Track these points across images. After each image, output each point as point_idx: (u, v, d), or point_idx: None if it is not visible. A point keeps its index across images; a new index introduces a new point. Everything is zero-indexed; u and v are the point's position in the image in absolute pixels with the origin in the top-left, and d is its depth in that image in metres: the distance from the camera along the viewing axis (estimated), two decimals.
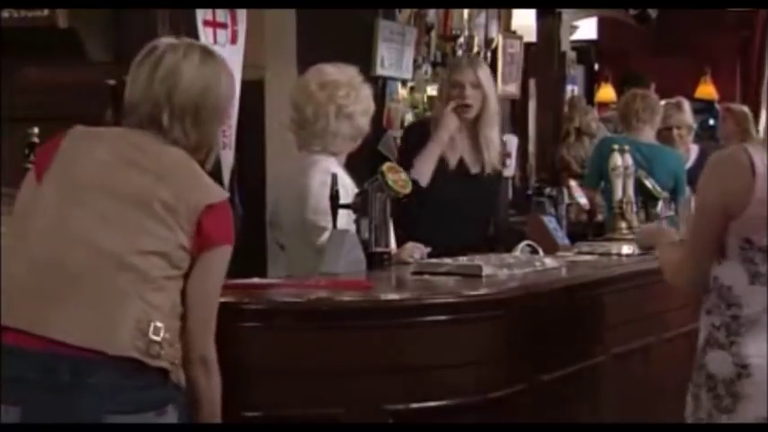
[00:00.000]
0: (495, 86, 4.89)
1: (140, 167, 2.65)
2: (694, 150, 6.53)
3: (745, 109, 6.94)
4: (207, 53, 2.79)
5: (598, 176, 5.48)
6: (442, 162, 4.63)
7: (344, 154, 4.04)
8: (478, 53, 6.53)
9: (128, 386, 2.52)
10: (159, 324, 2.58)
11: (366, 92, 4.00)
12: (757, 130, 9.84)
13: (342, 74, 4.01)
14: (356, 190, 3.69)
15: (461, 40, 6.40)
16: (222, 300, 3.00)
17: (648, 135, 5.94)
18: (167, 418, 2.58)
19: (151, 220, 2.60)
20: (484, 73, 4.71)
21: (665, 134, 6.26)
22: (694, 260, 3.00)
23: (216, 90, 2.74)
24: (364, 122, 3.99)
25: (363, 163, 4.22)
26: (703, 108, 8.76)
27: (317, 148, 3.95)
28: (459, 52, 6.38)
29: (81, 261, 2.57)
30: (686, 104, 6.47)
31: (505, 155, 6.29)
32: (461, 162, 4.67)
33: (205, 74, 2.73)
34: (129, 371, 2.52)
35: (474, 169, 4.70)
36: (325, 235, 3.71)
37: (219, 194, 2.72)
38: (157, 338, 2.57)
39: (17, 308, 2.55)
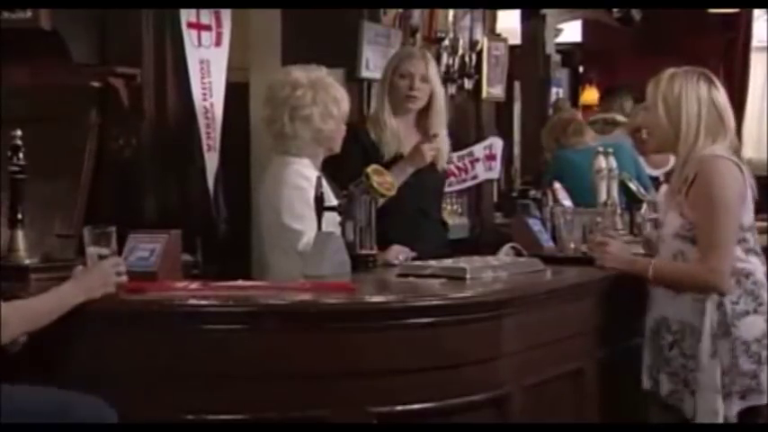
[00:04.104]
0: (442, 87, 4.81)
1: None
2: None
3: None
4: None
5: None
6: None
7: (318, 157, 4.01)
8: (463, 56, 6.53)
9: None
10: None
11: (331, 94, 3.95)
12: (740, 133, 9.94)
13: (304, 74, 4.00)
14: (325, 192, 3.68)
15: (446, 42, 6.40)
16: (207, 302, 3.01)
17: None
18: None
19: None
20: (433, 69, 4.64)
21: (636, 136, 6.35)
22: (729, 255, 3.50)
23: None
24: (326, 125, 3.94)
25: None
26: None
27: (281, 149, 3.97)
28: (444, 55, 6.38)
29: None
30: None
31: (491, 157, 6.31)
32: (402, 156, 4.47)
33: None
34: None
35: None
36: (304, 240, 3.71)
37: None
38: None
39: None
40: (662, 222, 3.71)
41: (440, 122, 4.62)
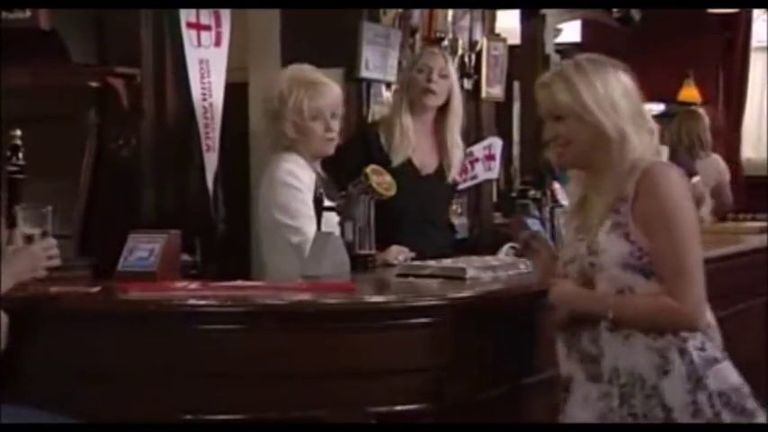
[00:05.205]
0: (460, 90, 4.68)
1: None
2: (664, 152, 6.62)
3: None
4: None
5: None
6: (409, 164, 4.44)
7: (308, 155, 3.97)
8: (463, 56, 6.54)
9: None
10: None
11: (302, 91, 3.88)
12: (740, 132, 9.95)
13: (287, 72, 4.01)
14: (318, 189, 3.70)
15: (445, 42, 6.40)
16: (205, 302, 3.01)
17: None
18: None
19: None
20: (452, 67, 4.57)
21: None
22: (702, 283, 2.81)
23: None
24: (294, 121, 3.87)
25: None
26: None
27: (274, 147, 3.98)
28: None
29: None
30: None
31: (490, 157, 6.30)
32: (410, 162, 4.44)
33: None
34: None
35: (427, 170, 4.50)
36: (298, 234, 3.72)
37: None
38: None
39: None
40: (593, 247, 2.86)
41: (456, 124, 4.52)
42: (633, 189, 2.80)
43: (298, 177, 3.81)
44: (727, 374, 2.82)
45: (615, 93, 2.86)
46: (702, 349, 2.80)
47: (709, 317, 2.87)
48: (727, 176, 7.39)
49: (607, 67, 2.90)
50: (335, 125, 3.97)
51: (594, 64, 2.90)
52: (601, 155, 2.86)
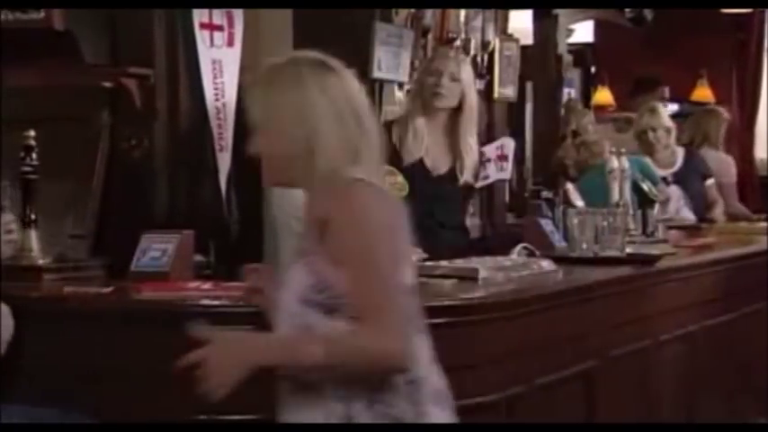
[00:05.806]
0: (476, 93, 4.70)
1: None
2: (680, 153, 6.63)
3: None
4: None
5: None
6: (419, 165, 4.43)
7: None
8: (475, 56, 6.54)
9: None
10: None
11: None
12: (753, 132, 9.93)
13: None
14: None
15: (458, 42, 6.41)
16: (218, 302, 3.02)
17: None
18: None
19: None
20: (466, 71, 4.56)
21: (643, 137, 6.41)
22: (402, 311, 2.31)
23: None
24: None
25: None
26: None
27: None
28: None
29: None
30: (660, 108, 6.70)
31: (502, 158, 6.30)
32: (421, 162, 4.44)
33: None
34: None
35: (438, 171, 4.51)
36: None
37: None
38: None
39: None
40: (281, 278, 2.44)
41: (469, 127, 4.52)
42: (325, 212, 2.32)
43: None
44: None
45: (312, 100, 2.40)
46: (390, 406, 2.32)
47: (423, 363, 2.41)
48: (732, 179, 7.34)
49: (314, 69, 2.48)
50: None
51: (298, 66, 2.47)
52: (302, 175, 2.44)
